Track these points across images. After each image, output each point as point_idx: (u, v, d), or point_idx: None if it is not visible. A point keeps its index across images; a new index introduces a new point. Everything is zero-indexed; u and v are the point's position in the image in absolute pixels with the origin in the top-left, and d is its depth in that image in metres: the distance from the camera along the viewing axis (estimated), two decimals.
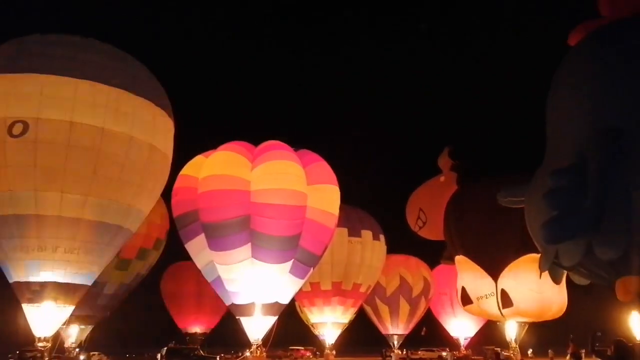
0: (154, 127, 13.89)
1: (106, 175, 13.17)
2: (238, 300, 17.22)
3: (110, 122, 13.00)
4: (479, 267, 19.33)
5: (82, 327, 19.78)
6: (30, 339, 14.29)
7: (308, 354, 30.24)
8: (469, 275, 20.03)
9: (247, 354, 18.78)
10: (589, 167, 10.98)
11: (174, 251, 21.91)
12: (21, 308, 13.83)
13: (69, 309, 14.18)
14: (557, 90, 13.07)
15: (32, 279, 13.40)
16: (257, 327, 17.30)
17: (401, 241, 25.69)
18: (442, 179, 23.87)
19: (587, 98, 11.72)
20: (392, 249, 24.20)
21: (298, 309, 23.55)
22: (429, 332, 30.99)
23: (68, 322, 17.40)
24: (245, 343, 18.41)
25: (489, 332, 24.91)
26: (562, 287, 17.66)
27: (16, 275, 13.55)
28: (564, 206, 11.15)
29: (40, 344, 13.91)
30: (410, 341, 28.25)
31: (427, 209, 23.58)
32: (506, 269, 18.53)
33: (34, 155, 12.50)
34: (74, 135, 12.62)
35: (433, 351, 32.88)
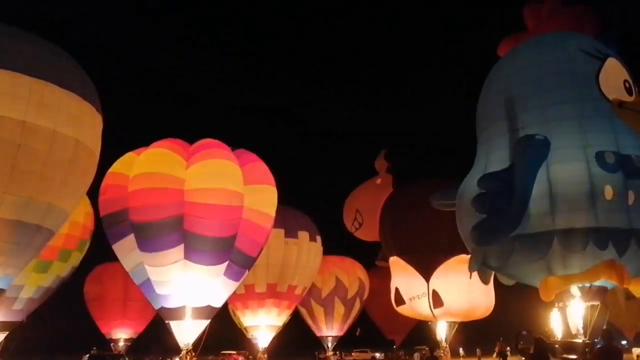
0: (80, 121, 13.07)
1: (26, 171, 12.23)
2: (168, 304, 16.63)
3: (32, 115, 12.09)
4: (412, 268, 19.90)
5: None
6: None
7: (240, 358, 29.80)
8: (402, 276, 20.55)
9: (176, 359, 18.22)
10: (514, 172, 11.64)
11: (99, 253, 21.01)
12: None
13: None
14: (484, 98, 13.77)
15: None
16: (187, 332, 16.80)
17: (338, 242, 25.94)
18: (378, 181, 24.38)
19: (506, 107, 12.47)
20: (328, 250, 24.35)
21: (231, 312, 23.14)
22: (363, 334, 31.47)
23: None
24: (175, 348, 17.86)
25: (420, 333, 25.61)
26: (490, 288, 18.47)
27: None
28: (491, 210, 11.75)
29: None
30: (345, 343, 28.52)
31: (364, 211, 23.99)
32: (437, 270, 19.19)
33: None
34: None
35: (366, 352, 33.34)
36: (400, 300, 20.72)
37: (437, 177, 19.91)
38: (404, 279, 20.36)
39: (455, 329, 20.47)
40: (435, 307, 19.42)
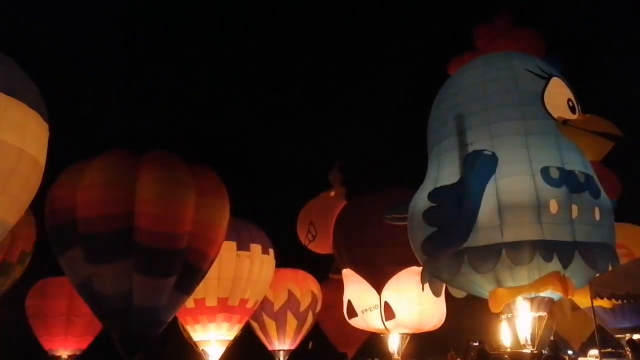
0: (24, 130, 12.49)
1: None
2: (116, 319, 16.05)
3: None
4: (364, 280, 20.07)
5: None
6: None
7: None
8: (354, 288, 20.70)
9: None
10: (463, 186, 12.07)
11: (42, 266, 20.05)
12: None
13: None
14: (435, 114, 14.27)
15: None
16: (133, 347, 16.22)
17: (292, 255, 25.79)
18: (332, 193, 24.51)
19: (455, 123, 12.99)
20: (282, 263, 24.17)
21: (180, 327, 22.51)
22: (315, 347, 31.29)
23: None
24: None
25: (372, 345, 25.79)
26: (442, 299, 18.88)
27: None
28: (441, 223, 12.12)
29: None
30: (298, 356, 28.26)
31: (318, 223, 24.03)
32: (389, 282, 19.45)
33: None
34: None
35: None
36: (352, 313, 20.82)
37: (389, 189, 20.26)
38: (356, 291, 20.50)
39: (407, 341, 20.72)
40: (387, 319, 19.64)
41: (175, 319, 20.13)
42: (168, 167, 16.35)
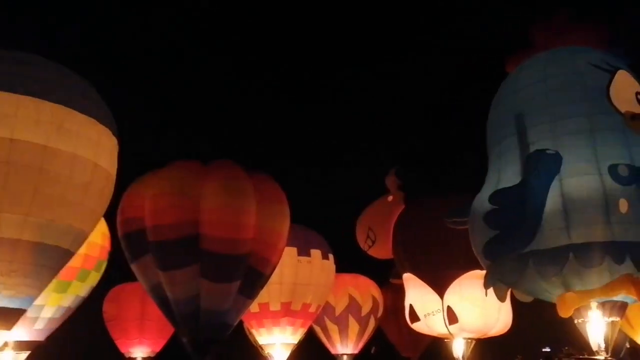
0: (98, 145, 13.44)
1: (48, 194, 12.58)
2: (185, 322, 16.81)
3: (53, 140, 12.48)
4: (425, 284, 19.83)
5: (18, 353, 18.64)
6: None
7: None
8: (416, 292, 20.48)
9: None
10: (526, 187, 11.72)
11: (117, 273, 21.23)
12: None
13: (4, 335, 13.31)
14: (494, 114, 13.92)
15: None
16: (202, 350, 16.92)
17: (351, 260, 25.92)
18: (389, 198, 24.47)
19: (515, 123, 12.60)
20: (342, 268, 24.35)
21: (246, 331, 23.16)
22: (379, 351, 31.17)
23: (2, 349, 16.42)
24: None
25: (436, 350, 25.36)
26: (507, 304, 18.35)
27: None
28: (503, 226, 11.82)
29: None
30: None
31: (376, 228, 24.06)
32: (451, 286, 19.10)
33: None
34: (14, 152, 12.01)
35: None
36: (414, 317, 20.61)
37: (448, 193, 19.97)
38: (418, 295, 20.29)
39: (472, 346, 20.26)
40: (450, 323, 19.30)
41: (241, 322, 20.78)
42: (230, 177, 17.02)
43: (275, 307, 20.96)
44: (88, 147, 13.16)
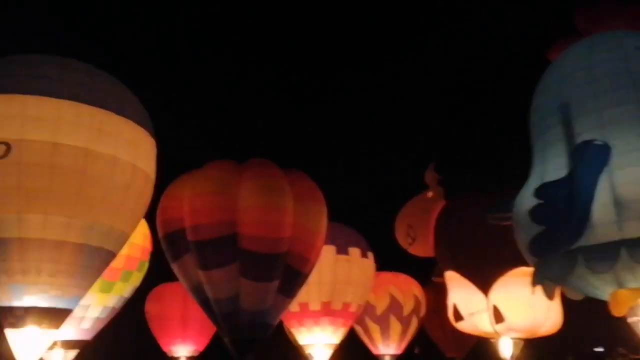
0: (137, 147, 13.76)
1: (90, 196, 12.96)
2: (226, 322, 16.95)
3: (94, 143, 12.84)
4: (469, 282, 19.31)
5: (67, 351, 19.31)
6: None
7: None
8: (459, 291, 19.97)
9: None
10: (573, 180, 11.15)
11: (159, 273, 21.65)
12: (3, 333, 13.45)
13: (53, 334, 13.73)
14: (537, 103, 13.33)
15: (16, 303, 12.98)
16: (243, 349, 17.02)
17: (391, 259, 25.56)
18: (429, 194, 24.00)
19: (560, 113, 12.00)
20: (382, 266, 24.05)
21: (286, 330, 23.19)
22: (422, 352, 30.70)
23: (52, 347, 17.00)
24: None
25: (482, 350, 24.71)
26: (556, 302, 17.65)
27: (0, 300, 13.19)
28: (550, 221, 11.28)
29: None
30: None
31: (416, 225, 23.64)
32: (497, 283, 18.52)
33: (18, 176, 12.25)
34: (57, 156, 12.42)
35: None
36: (458, 317, 20.12)
37: (490, 187, 19.38)
38: (461, 294, 19.78)
39: (521, 347, 19.59)
40: (496, 322, 18.72)
41: (281, 322, 20.82)
42: (266, 175, 17.07)
43: (315, 306, 20.89)
44: (127, 149, 13.47)
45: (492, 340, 20.18)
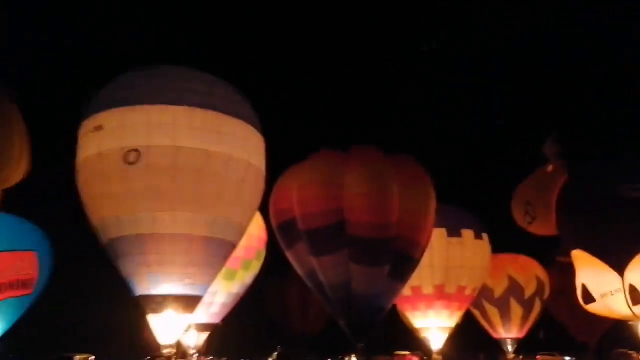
0: (248, 145, 14.73)
1: (210, 192, 14.12)
2: (340, 306, 17.49)
3: (210, 144, 13.96)
4: (600, 262, 17.91)
5: (200, 333, 21.24)
6: (156, 346, 15.39)
7: (415, 359, 29.59)
8: (589, 270, 18.60)
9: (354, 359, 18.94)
10: None
11: (274, 260, 22.71)
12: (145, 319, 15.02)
13: (187, 318, 15.16)
14: None
15: (154, 291, 14.54)
16: (357, 332, 17.46)
17: (509, 239, 24.45)
18: (549, 168, 22.47)
19: None
20: (499, 247, 23.13)
21: (400, 314, 23.29)
22: (548, 336, 29.12)
23: (187, 330, 18.72)
24: (349, 348, 18.62)
25: (618, 334, 22.80)
26: None
27: (140, 288, 14.82)
28: None
29: (165, 351, 14.94)
30: (527, 345, 26.69)
31: (536, 202, 22.31)
32: (633, 261, 16.99)
33: (148, 179, 13.66)
34: (180, 158, 13.68)
35: (554, 355, 30.74)
36: (589, 298, 18.72)
37: (619, 157, 17.70)
38: (591, 273, 18.36)
39: None
40: (634, 303, 17.18)
41: (395, 306, 20.96)
42: (370, 161, 17.26)
43: (427, 290, 20.73)
44: (240, 147, 14.47)
45: (629, 322, 18.56)
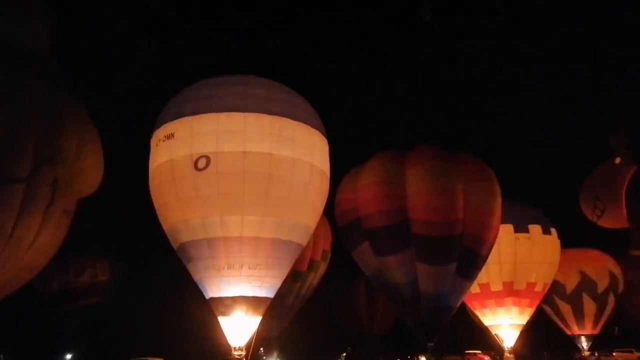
0: (312, 148, 14.96)
1: (277, 196, 14.42)
2: (407, 306, 17.40)
3: (276, 148, 14.28)
4: None
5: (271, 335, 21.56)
6: (228, 348, 15.73)
7: (487, 358, 28.91)
8: None
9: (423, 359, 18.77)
10: None
11: (340, 262, 22.84)
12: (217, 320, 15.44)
13: (257, 320, 15.49)
14: None
15: (224, 294, 14.95)
16: (426, 332, 17.32)
17: (578, 234, 23.59)
18: (617, 160, 21.53)
19: None
20: (569, 242, 22.36)
21: (470, 312, 22.88)
22: (622, 333, 27.78)
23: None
24: (418, 348, 18.45)
25: None
26: None
27: (211, 291, 15.29)
28: None
29: (236, 353, 15.27)
30: (603, 342, 25.57)
31: (604, 196, 21.43)
32: None
33: (217, 184, 14.11)
34: (247, 163, 14.07)
35: (631, 352, 29.23)
36: None
37: None
38: None
39: None
40: None
41: (464, 304, 20.63)
42: (432, 160, 17.13)
43: (496, 287, 20.31)
44: (304, 150, 14.72)
45: None
